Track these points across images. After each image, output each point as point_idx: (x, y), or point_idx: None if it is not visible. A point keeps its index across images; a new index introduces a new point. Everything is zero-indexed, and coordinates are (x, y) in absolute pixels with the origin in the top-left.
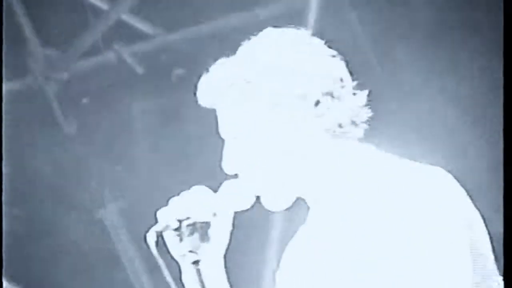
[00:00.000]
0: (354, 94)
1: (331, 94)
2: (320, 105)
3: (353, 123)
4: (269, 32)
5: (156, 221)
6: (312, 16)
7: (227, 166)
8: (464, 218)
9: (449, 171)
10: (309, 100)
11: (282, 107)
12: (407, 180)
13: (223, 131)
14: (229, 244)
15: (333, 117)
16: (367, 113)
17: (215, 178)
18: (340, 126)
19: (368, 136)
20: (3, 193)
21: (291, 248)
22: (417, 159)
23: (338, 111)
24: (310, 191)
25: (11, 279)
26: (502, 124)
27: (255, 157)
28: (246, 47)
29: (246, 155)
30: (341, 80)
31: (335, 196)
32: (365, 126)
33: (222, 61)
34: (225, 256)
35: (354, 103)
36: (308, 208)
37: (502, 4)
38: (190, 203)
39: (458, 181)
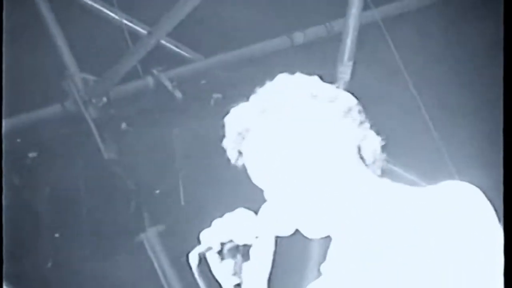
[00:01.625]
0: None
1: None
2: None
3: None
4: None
5: (199, 243)
6: (349, 39)
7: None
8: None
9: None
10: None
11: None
12: (438, 206)
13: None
14: (272, 268)
15: (368, 145)
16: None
17: (255, 201)
18: (374, 153)
19: None
20: (43, 216)
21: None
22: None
23: (371, 140)
24: (339, 222)
25: None
26: (502, 124)
27: (294, 184)
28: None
29: (285, 182)
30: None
31: (364, 229)
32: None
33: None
34: (269, 280)
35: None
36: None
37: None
38: (233, 225)
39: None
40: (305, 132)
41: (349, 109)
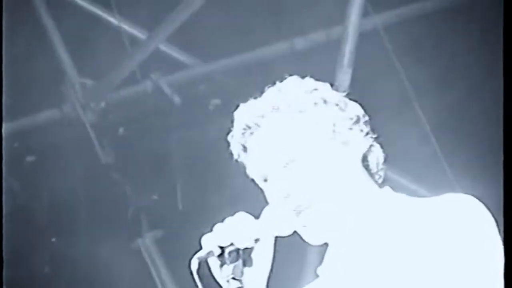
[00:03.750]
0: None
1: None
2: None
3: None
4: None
5: (198, 248)
6: (349, 45)
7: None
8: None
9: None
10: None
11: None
12: (439, 218)
13: (267, 161)
14: (270, 270)
15: (373, 155)
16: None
17: (254, 207)
18: (377, 164)
19: None
20: (43, 222)
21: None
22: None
23: (376, 151)
24: (339, 228)
25: None
26: (502, 124)
27: (297, 187)
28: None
29: (288, 183)
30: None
31: (362, 236)
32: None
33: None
34: (267, 283)
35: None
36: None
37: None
38: (233, 229)
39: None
40: (314, 135)
41: (358, 119)
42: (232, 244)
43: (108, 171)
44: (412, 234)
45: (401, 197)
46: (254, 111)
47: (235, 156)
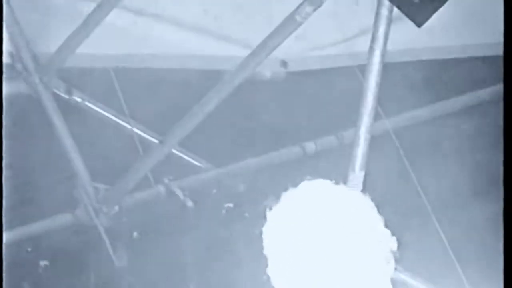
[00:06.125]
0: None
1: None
2: None
3: None
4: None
5: None
6: (360, 149)
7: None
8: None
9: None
10: None
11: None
12: None
13: None
14: None
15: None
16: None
17: None
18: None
19: None
20: None
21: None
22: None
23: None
24: None
25: None
26: (502, 124)
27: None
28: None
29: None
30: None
31: None
32: None
33: None
34: None
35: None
36: None
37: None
38: None
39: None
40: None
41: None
42: None
43: (121, 275)
44: None
45: None
46: None
47: None
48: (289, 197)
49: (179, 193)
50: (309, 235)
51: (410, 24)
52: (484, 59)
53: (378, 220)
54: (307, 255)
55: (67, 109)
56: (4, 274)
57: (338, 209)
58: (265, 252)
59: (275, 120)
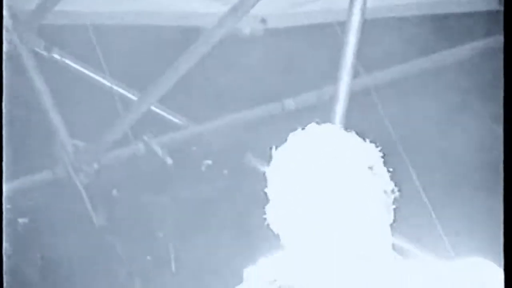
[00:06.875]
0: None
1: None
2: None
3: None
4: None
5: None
6: (339, 107)
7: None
8: None
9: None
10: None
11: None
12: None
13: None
14: None
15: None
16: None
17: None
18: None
19: None
20: (36, 285)
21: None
22: None
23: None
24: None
25: None
26: (502, 124)
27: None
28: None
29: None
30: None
31: None
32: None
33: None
34: None
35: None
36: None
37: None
38: (278, 265)
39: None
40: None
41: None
42: (275, 280)
43: (101, 233)
44: None
45: (419, 261)
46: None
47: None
48: (296, 138)
49: (158, 150)
50: (312, 177)
51: None
52: (469, 14)
53: (383, 171)
54: (308, 196)
55: (45, 67)
56: None
57: (343, 154)
58: (267, 190)
59: (254, 77)
